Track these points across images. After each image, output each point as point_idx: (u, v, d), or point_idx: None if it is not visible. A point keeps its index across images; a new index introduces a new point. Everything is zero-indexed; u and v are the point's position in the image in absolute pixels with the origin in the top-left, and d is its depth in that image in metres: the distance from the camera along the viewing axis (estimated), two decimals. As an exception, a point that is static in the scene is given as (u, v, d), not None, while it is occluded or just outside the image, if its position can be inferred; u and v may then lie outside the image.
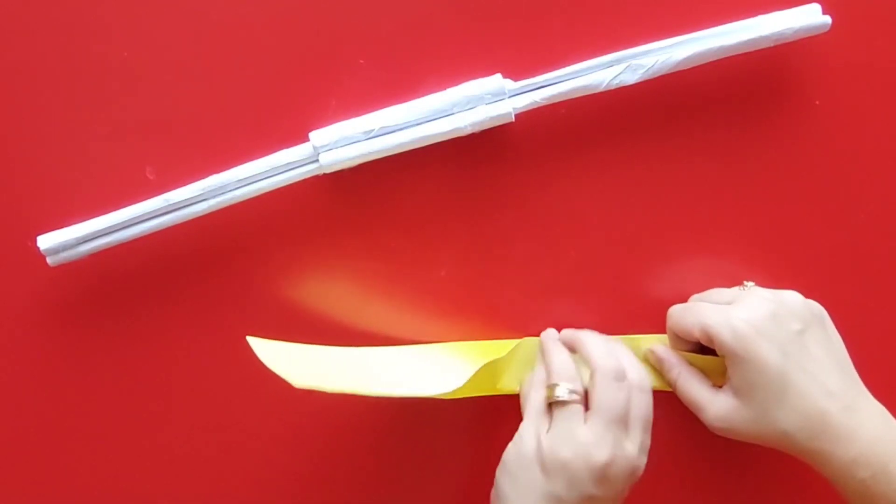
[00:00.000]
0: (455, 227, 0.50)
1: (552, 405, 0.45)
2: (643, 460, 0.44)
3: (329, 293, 0.50)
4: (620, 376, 0.44)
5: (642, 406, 0.45)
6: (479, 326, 0.50)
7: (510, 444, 0.45)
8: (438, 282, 0.50)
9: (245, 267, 0.50)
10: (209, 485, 0.51)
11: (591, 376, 0.45)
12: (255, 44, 0.50)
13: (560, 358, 0.46)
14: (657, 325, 0.50)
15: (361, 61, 0.50)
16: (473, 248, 0.50)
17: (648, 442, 0.45)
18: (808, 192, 0.50)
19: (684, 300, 0.50)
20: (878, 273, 0.50)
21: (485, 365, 0.46)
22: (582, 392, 0.45)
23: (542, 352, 0.48)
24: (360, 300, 0.50)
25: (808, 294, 0.50)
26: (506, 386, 0.50)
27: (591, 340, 0.47)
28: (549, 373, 0.46)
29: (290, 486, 0.51)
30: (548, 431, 0.44)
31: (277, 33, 0.50)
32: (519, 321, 0.50)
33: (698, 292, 0.49)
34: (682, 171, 0.50)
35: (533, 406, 0.46)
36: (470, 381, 0.44)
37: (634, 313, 0.50)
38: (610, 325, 0.50)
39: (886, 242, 0.50)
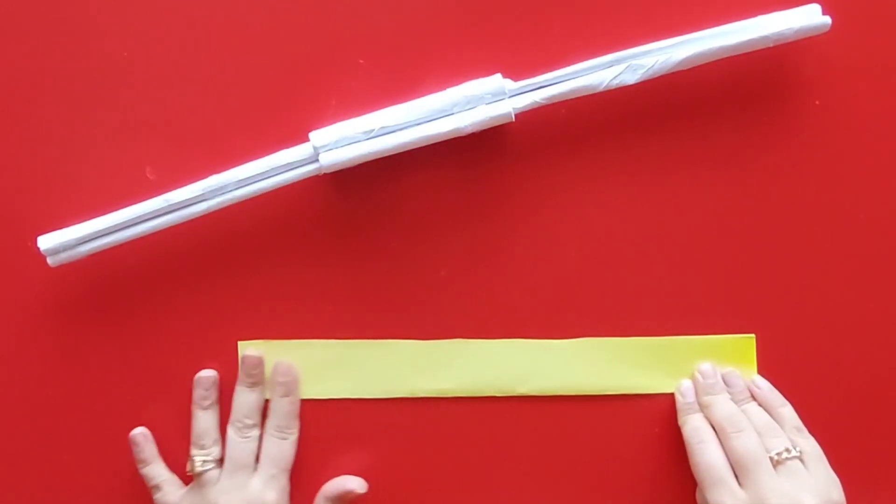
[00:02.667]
0: (455, 226, 0.50)
1: (194, 475, 0.48)
2: (271, 497, 0.48)
3: (329, 293, 0.50)
4: (247, 427, 0.48)
5: (273, 452, 0.49)
6: (479, 326, 0.50)
7: None
8: (438, 282, 0.50)
9: (245, 267, 0.50)
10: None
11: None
12: (255, 44, 0.50)
13: (197, 426, 0.49)
14: (656, 326, 0.50)
15: (361, 61, 0.50)
16: (473, 247, 0.50)
17: (284, 481, 0.49)
18: (808, 192, 0.50)
19: (684, 300, 0.50)
20: (878, 273, 0.50)
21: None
22: (217, 454, 0.49)
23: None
24: (360, 300, 0.50)
25: (807, 294, 0.50)
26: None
27: (236, 390, 0.49)
28: (191, 441, 0.49)
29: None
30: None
31: (277, 33, 0.50)
32: (519, 321, 0.50)
33: (697, 293, 0.50)
34: (681, 171, 0.50)
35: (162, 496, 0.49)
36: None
37: (634, 314, 0.50)
38: (609, 326, 0.50)
39: (886, 242, 0.50)
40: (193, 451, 0.48)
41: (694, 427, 0.48)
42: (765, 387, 0.49)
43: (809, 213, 0.50)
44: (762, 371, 0.49)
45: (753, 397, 0.49)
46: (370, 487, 0.50)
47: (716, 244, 0.50)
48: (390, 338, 0.50)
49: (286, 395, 0.49)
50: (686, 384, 0.49)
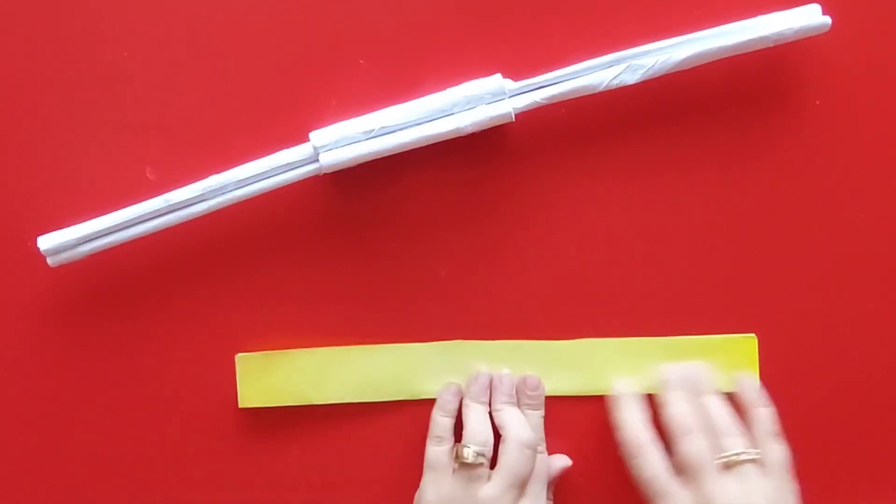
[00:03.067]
0: (455, 226, 0.50)
1: (460, 464, 0.46)
2: None
3: (329, 293, 0.50)
4: (531, 445, 0.46)
5: (541, 468, 0.47)
6: (479, 326, 0.50)
7: (416, 496, 0.48)
8: (438, 282, 0.50)
9: (245, 267, 0.50)
10: (211, 484, 0.51)
11: (504, 441, 0.46)
12: (255, 44, 0.50)
13: (476, 418, 0.47)
14: (656, 326, 0.50)
15: (361, 61, 0.50)
16: (473, 247, 0.50)
17: (544, 499, 0.47)
18: (808, 192, 0.50)
19: (684, 300, 0.50)
20: (878, 273, 0.50)
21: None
22: (489, 454, 0.47)
23: (463, 408, 0.48)
24: (360, 300, 0.50)
25: (808, 293, 0.50)
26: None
27: (508, 412, 0.48)
28: (464, 432, 0.47)
29: (289, 484, 0.51)
30: (450, 487, 0.46)
31: (277, 33, 0.50)
32: (519, 321, 0.50)
33: (698, 293, 0.50)
34: (681, 171, 0.50)
35: (432, 460, 0.47)
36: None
37: (634, 314, 0.50)
38: (609, 326, 0.50)
39: (886, 243, 0.50)
40: (468, 441, 0.46)
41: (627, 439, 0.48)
42: (748, 385, 0.48)
43: (809, 213, 0.50)
44: (763, 371, 0.49)
45: (736, 395, 0.48)
46: (373, 488, 0.50)
47: (716, 244, 0.50)
48: (390, 338, 0.50)
49: (537, 410, 0.49)
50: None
